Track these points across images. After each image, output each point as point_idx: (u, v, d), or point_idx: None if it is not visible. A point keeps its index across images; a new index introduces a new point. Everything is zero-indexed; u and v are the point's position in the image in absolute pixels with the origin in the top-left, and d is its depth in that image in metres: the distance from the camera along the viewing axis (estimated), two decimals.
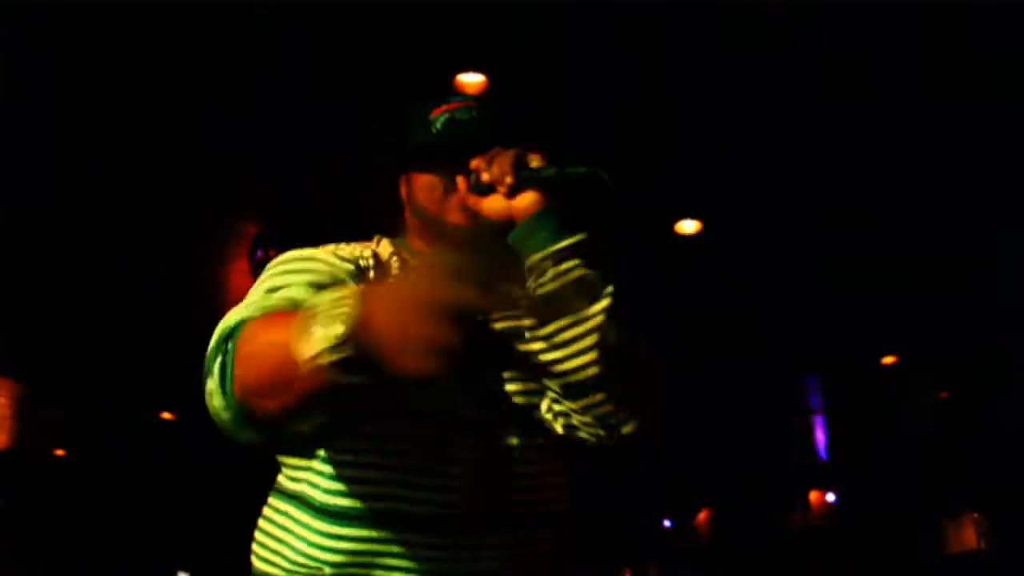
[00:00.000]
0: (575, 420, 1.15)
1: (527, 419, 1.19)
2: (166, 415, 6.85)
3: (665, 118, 3.97)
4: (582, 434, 1.16)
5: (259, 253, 4.16)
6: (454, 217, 1.21)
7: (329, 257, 1.18)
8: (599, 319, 1.09)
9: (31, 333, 5.26)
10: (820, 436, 8.51)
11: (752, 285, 5.37)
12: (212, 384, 1.02)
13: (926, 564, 8.91)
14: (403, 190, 1.29)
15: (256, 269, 4.30)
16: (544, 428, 1.19)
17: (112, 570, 6.95)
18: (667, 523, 10.47)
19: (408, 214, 1.29)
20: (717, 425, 7.85)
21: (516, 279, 1.16)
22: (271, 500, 1.23)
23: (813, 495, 9.63)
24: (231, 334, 1.02)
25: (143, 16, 3.12)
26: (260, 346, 0.97)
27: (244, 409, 0.99)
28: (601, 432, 1.14)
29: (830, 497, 9.55)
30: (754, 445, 8.39)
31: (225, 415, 1.01)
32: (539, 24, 3.40)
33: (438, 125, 1.22)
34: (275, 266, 1.18)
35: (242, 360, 0.98)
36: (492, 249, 1.18)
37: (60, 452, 7.30)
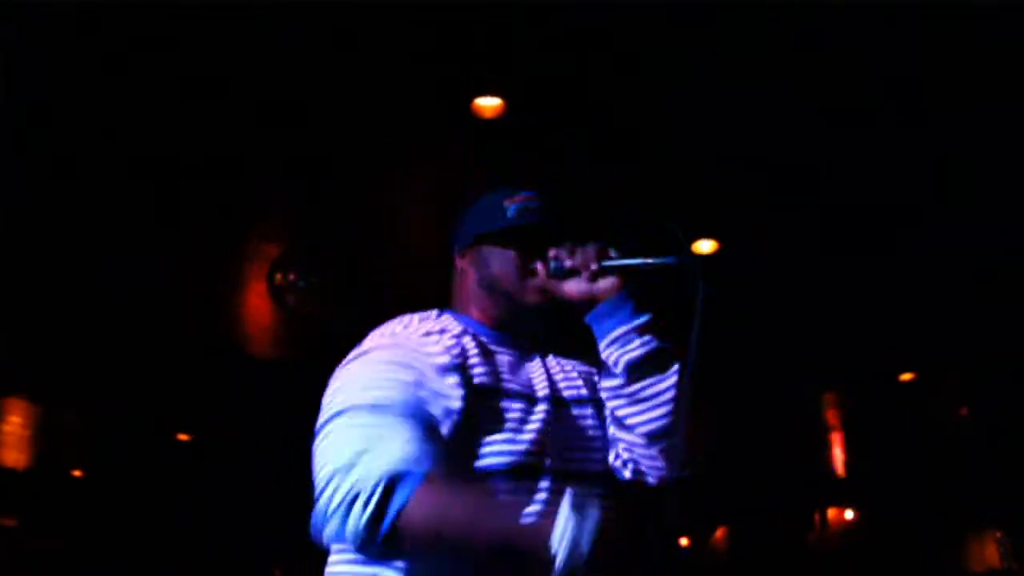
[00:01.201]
0: (643, 465, 1.39)
1: (600, 478, 1.39)
2: (182, 436, 6.87)
3: (680, 138, 3.98)
4: (648, 476, 1.40)
5: (278, 276, 4.18)
6: (530, 295, 1.40)
7: (420, 350, 1.31)
8: (674, 379, 1.36)
9: (47, 353, 5.29)
10: (838, 453, 8.45)
11: (769, 303, 5.35)
12: (357, 515, 1.14)
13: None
14: (467, 265, 1.46)
15: (275, 292, 4.32)
16: (613, 482, 1.40)
17: None
18: (684, 542, 10.40)
19: (472, 287, 1.45)
20: (734, 442, 7.81)
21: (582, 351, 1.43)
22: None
23: (831, 512, 9.55)
24: (392, 485, 1.15)
25: (159, 25, 3.11)
26: (456, 513, 1.14)
27: (388, 542, 1.14)
28: (665, 472, 1.38)
29: (848, 514, 9.46)
30: (771, 462, 8.33)
31: (358, 534, 1.15)
32: (555, 47, 3.41)
33: (511, 212, 1.41)
34: (371, 364, 1.30)
35: (418, 521, 1.13)
36: (555, 324, 1.44)
37: (78, 473, 7.33)
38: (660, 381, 1.37)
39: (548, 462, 1.29)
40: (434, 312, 1.43)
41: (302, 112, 3.60)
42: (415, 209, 4.34)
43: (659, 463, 1.39)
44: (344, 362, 1.35)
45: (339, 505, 1.15)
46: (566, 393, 1.42)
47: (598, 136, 3.88)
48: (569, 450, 1.36)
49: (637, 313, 1.38)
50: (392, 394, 1.24)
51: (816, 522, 9.49)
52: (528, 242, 1.40)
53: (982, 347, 6.08)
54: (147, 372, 5.71)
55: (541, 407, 1.34)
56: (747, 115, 3.83)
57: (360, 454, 1.17)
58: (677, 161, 4.14)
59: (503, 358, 1.38)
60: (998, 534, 8.56)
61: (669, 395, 1.37)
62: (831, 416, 7.49)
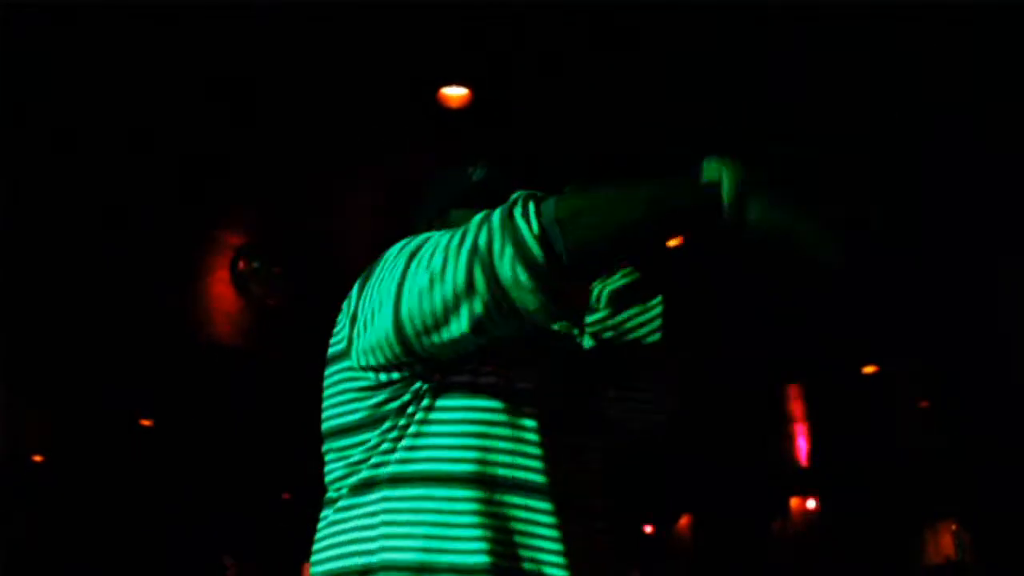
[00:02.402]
0: (635, 406, 1.38)
1: (588, 414, 1.34)
2: (145, 422, 6.81)
3: (642, 129, 3.98)
4: (633, 417, 1.38)
5: (241, 264, 4.14)
6: None
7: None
8: (658, 310, 1.36)
9: (9, 338, 5.22)
10: (801, 444, 8.55)
11: (734, 297, 5.39)
12: (522, 226, 1.01)
13: (903, 571, 8.98)
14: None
15: (238, 280, 4.28)
16: (597, 422, 1.35)
17: None
18: (648, 529, 10.49)
19: None
20: (699, 432, 7.88)
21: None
22: (349, 503, 1.22)
23: (794, 502, 9.68)
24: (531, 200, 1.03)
25: (133, 20, 3.09)
26: (599, 207, 1.04)
27: (562, 247, 1.01)
28: (648, 414, 1.39)
29: (810, 504, 9.60)
30: (735, 452, 8.42)
31: (534, 247, 1.01)
32: (524, 37, 3.40)
33: (476, 176, 1.40)
34: (409, 242, 1.18)
35: (575, 212, 1.02)
36: None
37: (39, 458, 7.25)
38: (644, 312, 1.38)
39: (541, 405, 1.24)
40: None
41: (266, 101, 3.56)
42: (379, 199, 4.32)
43: (651, 407, 1.41)
44: (361, 284, 1.25)
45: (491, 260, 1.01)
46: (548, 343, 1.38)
47: (564, 124, 3.87)
48: (556, 395, 1.31)
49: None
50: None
51: (778, 511, 9.61)
52: (495, 197, 1.31)
53: (943, 342, 6.17)
54: (110, 357, 5.66)
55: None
56: (710, 103, 3.84)
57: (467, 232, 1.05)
58: (639, 153, 4.15)
59: None
60: (954, 525, 8.72)
61: (653, 326, 1.37)
62: (795, 407, 7.58)
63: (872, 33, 3.36)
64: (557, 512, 1.18)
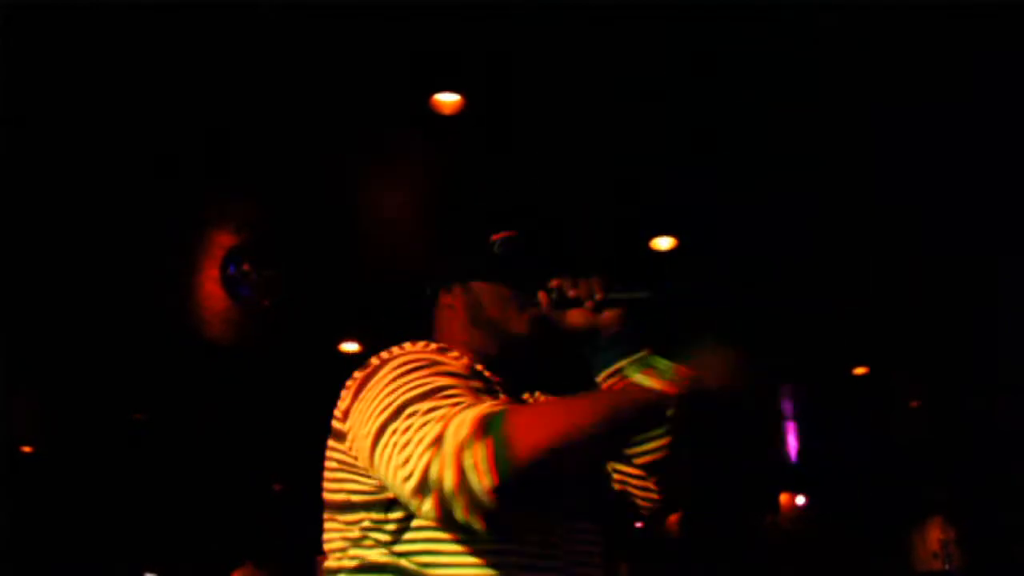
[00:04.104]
0: (636, 497, 1.43)
1: (597, 504, 1.39)
2: (136, 415, 6.79)
3: (636, 137, 3.96)
4: (640, 509, 1.44)
5: (232, 268, 4.12)
6: (528, 328, 1.39)
7: (443, 358, 1.27)
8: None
9: (1, 332, 5.19)
10: (791, 441, 8.59)
11: (727, 300, 5.40)
12: (472, 478, 1.03)
13: (890, 565, 9.04)
14: (455, 302, 1.42)
15: (228, 282, 4.26)
16: (604, 511, 1.40)
17: (79, 570, 6.90)
18: (637, 524, 10.54)
19: (462, 323, 1.41)
20: (689, 430, 7.88)
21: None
22: None
23: (783, 497, 9.73)
24: (485, 427, 1.05)
25: (123, 18, 3.05)
26: (562, 413, 1.10)
27: (514, 492, 1.03)
28: (658, 504, 1.44)
29: (799, 500, 9.65)
30: (726, 448, 8.45)
31: (475, 514, 1.04)
32: (517, 44, 3.37)
33: (498, 248, 1.40)
34: (405, 362, 1.21)
35: (533, 431, 1.04)
36: (547, 354, 1.44)
37: (27, 449, 7.23)
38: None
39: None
40: (424, 343, 1.38)
41: (258, 105, 3.53)
42: (371, 203, 4.30)
43: (653, 495, 1.43)
44: (362, 380, 1.25)
45: (444, 475, 1.04)
46: None
47: (558, 134, 3.85)
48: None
49: (638, 345, 1.40)
50: (442, 379, 1.17)
51: (768, 506, 9.66)
52: (518, 275, 1.39)
53: (933, 344, 6.19)
54: (100, 351, 5.64)
55: None
56: (705, 113, 3.82)
57: (436, 419, 1.09)
58: (634, 159, 4.13)
59: (498, 390, 1.37)
60: (940, 519, 8.79)
61: (664, 428, 1.39)
62: (785, 406, 7.61)
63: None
64: None
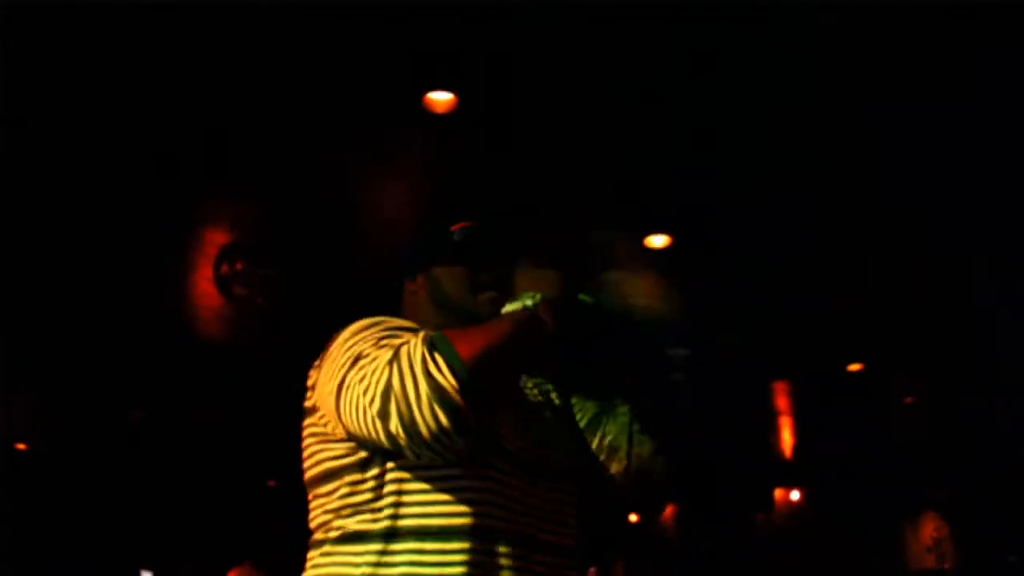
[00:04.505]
0: (607, 459, 1.47)
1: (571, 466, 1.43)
2: (132, 414, 6.79)
3: (632, 133, 3.96)
4: (612, 468, 1.47)
5: (224, 267, 4.11)
6: (481, 307, 1.45)
7: (396, 320, 1.37)
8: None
9: None
10: (787, 437, 8.60)
11: (724, 297, 5.41)
12: (426, 390, 1.11)
13: (884, 560, 9.07)
14: (418, 287, 1.52)
15: (221, 281, 4.25)
16: (580, 473, 1.44)
17: (74, 569, 6.90)
18: (633, 518, 10.56)
19: (424, 306, 1.50)
20: (686, 425, 7.90)
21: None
22: (335, 550, 1.27)
23: (778, 493, 9.76)
24: (431, 343, 1.15)
25: (117, 23, 3.05)
26: (479, 332, 1.20)
27: (475, 388, 1.12)
28: (625, 464, 1.46)
29: (794, 495, 9.68)
30: (722, 444, 8.47)
31: (447, 414, 1.11)
32: (509, 42, 3.37)
33: (457, 236, 1.50)
34: (364, 330, 1.31)
35: (468, 344, 1.15)
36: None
37: (22, 446, 7.23)
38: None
39: (505, 460, 1.30)
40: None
41: (253, 103, 3.52)
42: (364, 201, 4.30)
43: (623, 461, 1.47)
44: (322, 356, 1.34)
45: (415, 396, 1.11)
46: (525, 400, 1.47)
47: (550, 132, 3.84)
48: (529, 449, 1.37)
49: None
50: (388, 331, 1.28)
51: (763, 502, 9.68)
52: (477, 260, 1.48)
53: (928, 341, 6.20)
54: (96, 349, 5.64)
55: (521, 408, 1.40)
56: (700, 111, 3.82)
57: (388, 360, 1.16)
58: (630, 155, 4.12)
59: None
60: (934, 514, 8.82)
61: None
62: (781, 403, 7.62)
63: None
64: (546, 559, 1.29)
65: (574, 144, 4.00)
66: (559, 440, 1.43)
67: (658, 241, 4.87)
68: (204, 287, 4.68)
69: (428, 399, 1.10)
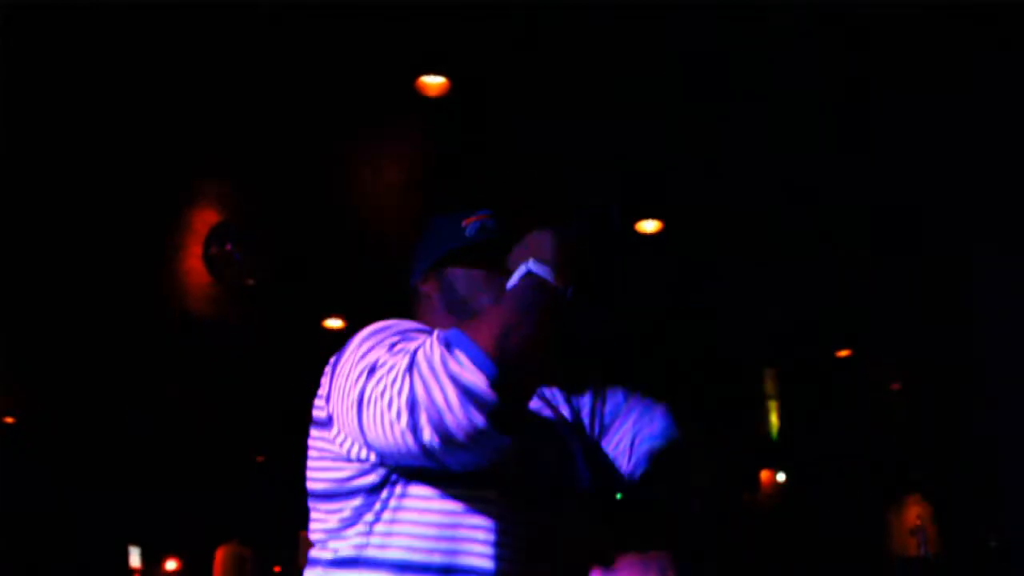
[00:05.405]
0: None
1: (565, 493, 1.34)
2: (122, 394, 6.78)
3: (625, 118, 3.94)
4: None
5: (214, 248, 4.09)
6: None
7: (408, 323, 1.27)
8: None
9: None
10: (774, 420, 8.67)
11: (716, 284, 5.42)
12: (453, 392, 1.03)
13: (868, 539, 9.17)
14: (431, 290, 1.41)
15: (211, 261, 4.24)
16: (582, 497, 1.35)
17: (62, 545, 6.91)
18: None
19: (439, 312, 1.40)
20: (676, 408, 7.96)
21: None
22: (327, 573, 1.25)
23: (764, 474, 9.83)
24: (447, 342, 1.07)
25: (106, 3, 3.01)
26: (492, 317, 1.09)
27: (505, 378, 1.03)
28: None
29: (780, 477, 9.76)
30: (710, 426, 8.52)
31: (482, 412, 1.03)
32: (502, 26, 3.34)
33: (471, 231, 1.39)
34: (375, 335, 1.22)
35: (485, 332, 1.06)
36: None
37: (10, 420, 7.22)
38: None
39: (511, 482, 1.25)
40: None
41: (244, 86, 3.49)
42: (354, 183, 4.27)
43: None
44: (334, 363, 1.26)
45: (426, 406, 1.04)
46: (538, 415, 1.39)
47: (543, 113, 3.82)
48: (536, 467, 1.31)
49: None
50: (400, 335, 1.19)
51: (749, 482, 9.76)
52: (492, 259, 1.35)
53: (915, 328, 6.24)
54: (86, 327, 5.63)
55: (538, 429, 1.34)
56: (691, 91, 3.80)
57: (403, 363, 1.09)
58: (622, 142, 4.11)
59: None
60: (918, 496, 8.92)
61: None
62: (770, 387, 7.67)
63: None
64: None
65: (564, 128, 3.98)
66: (569, 461, 1.36)
67: (649, 226, 4.87)
68: (193, 266, 4.66)
69: (459, 401, 1.02)
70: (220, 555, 6.65)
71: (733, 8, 3.13)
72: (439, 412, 1.03)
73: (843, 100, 3.75)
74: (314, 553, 1.28)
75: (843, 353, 6.82)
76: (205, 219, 4.34)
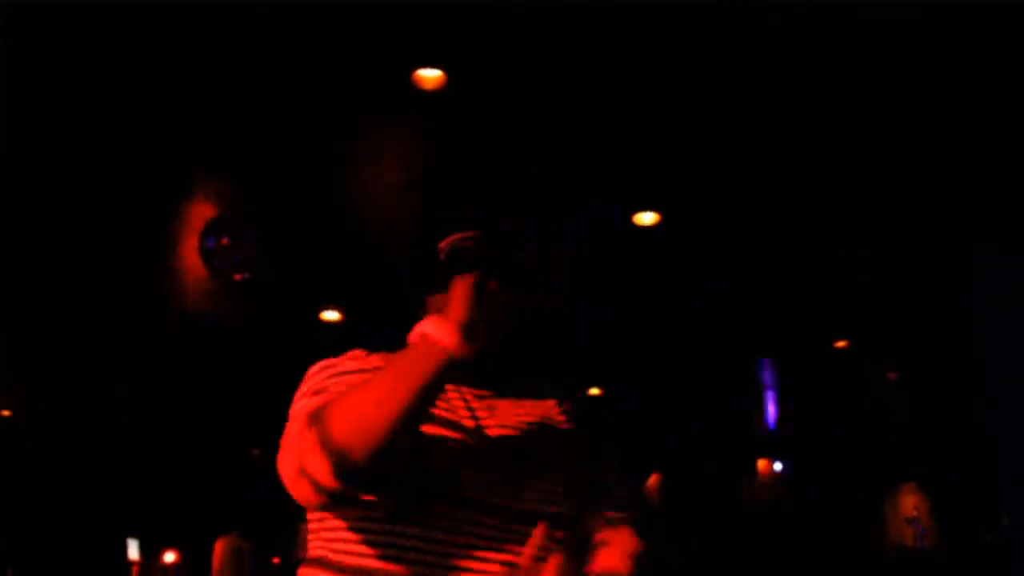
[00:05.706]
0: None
1: (553, 513, 1.29)
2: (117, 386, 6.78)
3: (621, 110, 3.92)
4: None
5: (211, 242, 4.08)
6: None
7: (358, 363, 1.30)
8: None
9: None
10: (770, 410, 8.68)
11: (713, 274, 5.42)
12: (311, 466, 1.10)
13: (866, 528, 9.21)
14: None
15: (207, 256, 4.23)
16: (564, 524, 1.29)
17: (61, 538, 6.91)
18: None
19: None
20: (672, 398, 7.98)
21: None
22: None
23: (761, 464, 9.86)
24: (310, 421, 1.13)
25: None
26: (357, 399, 1.12)
27: (345, 470, 1.09)
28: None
29: (777, 466, 9.79)
30: (707, 416, 8.54)
31: (319, 492, 1.11)
32: (497, 19, 3.32)
33: (445, 256, 1.33)
34: (311, 378, 1.29)
35: (343, 418, 1.10)
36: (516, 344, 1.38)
37: (6, 413, 7.21)
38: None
39: (478, 497, 1.23)
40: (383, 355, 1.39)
41: (241, 80, 3.47)
42: (350, 177, 4.26)
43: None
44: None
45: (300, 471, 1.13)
46: (501, 431, 1.33)
47: (537, 110, 3.81)
48: (506, 486, 1.27)
49: None
50: (326, 381, 1.25)
51: (746, 472, 9.79)
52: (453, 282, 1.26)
53: (914, 324, 6.25)
54: (83, 322, 5.62)
55: (477, 441, 1.28)
56: (691, 89, 3.79)
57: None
58: (620, 133, 4.10)
59: (452, 395, 1.33)
60: (914, 485, 8.94)
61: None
62: (766, 376, 7.68)
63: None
64: None
65: (559, 125, 3.97)
66: (537, 474, 1.30)
67: (647, 218, 4.86)
68: (190, 259, 4.65)
69: (305, 476, 1.11)
70: (219, 547, 6.66)
71: (733, 8, 3.11)
72: (291, 479, 1.13)
73: (843, 100, 3.74)
74: (303, 555, 1.34)
75: (840, 344, 6.83)
76: (203, 216, 4.34)
